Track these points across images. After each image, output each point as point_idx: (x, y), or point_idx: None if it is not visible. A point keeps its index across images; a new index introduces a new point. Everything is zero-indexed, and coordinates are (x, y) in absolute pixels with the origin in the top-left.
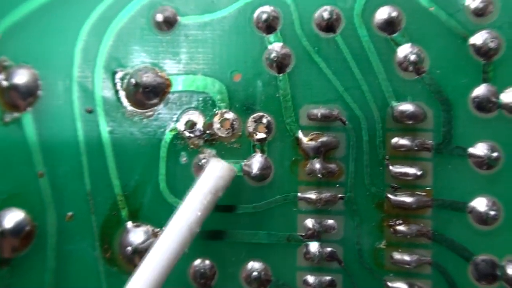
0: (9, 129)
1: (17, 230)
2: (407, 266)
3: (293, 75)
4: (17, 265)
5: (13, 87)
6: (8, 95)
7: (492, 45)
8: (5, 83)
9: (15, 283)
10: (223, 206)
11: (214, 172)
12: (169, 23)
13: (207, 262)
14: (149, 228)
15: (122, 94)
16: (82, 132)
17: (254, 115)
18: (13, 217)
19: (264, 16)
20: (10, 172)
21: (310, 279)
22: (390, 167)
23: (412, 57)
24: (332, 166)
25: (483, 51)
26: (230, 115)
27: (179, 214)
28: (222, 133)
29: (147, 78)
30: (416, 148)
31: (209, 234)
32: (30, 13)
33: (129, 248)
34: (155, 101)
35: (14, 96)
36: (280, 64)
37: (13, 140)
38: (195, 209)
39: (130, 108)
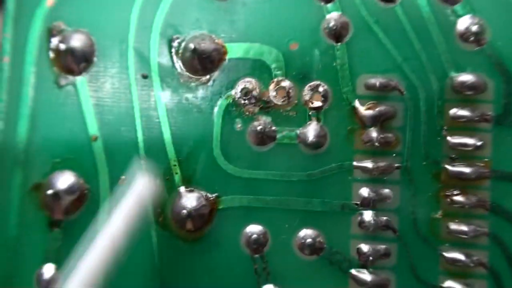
0: (63, 93)
1: (70, 192)
2: (464, 237)
3: (351, 44)
4: (68, 227)
5: (69, 51)
6: (64, 58)
7: None
8: (62, 46)
9: (66, 245)
10: (278, 173)
11: (140, 191)
12: None
13: (260, 228)
14: (202, 193)
15: (178, 60)
16: (137, 97)
17: (311, 83)
18: (66, 179)
19: None
20: (63, 136)
21: (364, 248)
22: (448, 138)
23: (474, 28)
24: (389, 135)
25: None
26: (286, 83)
27: (103, 233)
28: (278, 101)
29: (204, 45)
30: (476, 118)
31: (262, 201)
32: None
33: (184, 211)
34: (211, 68)
35: (69, 60)
36: (338, 33)
37: (68, 104)
38: (120, 228)
39: (185, 74)
